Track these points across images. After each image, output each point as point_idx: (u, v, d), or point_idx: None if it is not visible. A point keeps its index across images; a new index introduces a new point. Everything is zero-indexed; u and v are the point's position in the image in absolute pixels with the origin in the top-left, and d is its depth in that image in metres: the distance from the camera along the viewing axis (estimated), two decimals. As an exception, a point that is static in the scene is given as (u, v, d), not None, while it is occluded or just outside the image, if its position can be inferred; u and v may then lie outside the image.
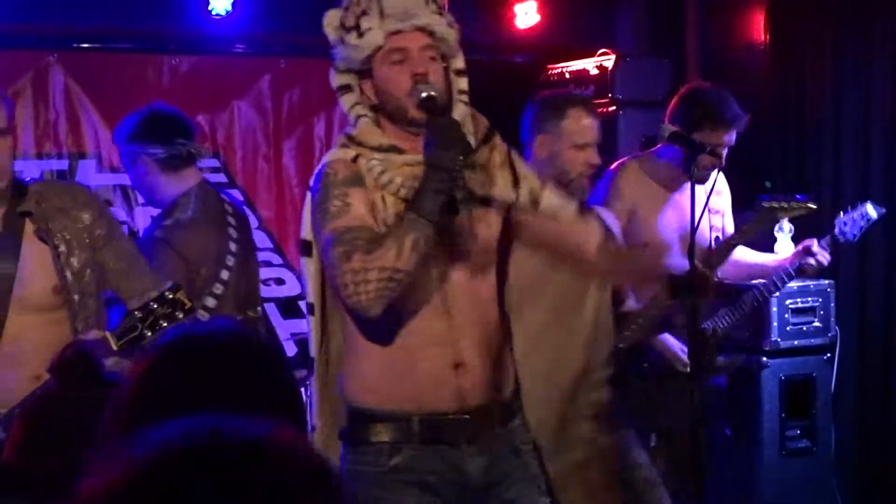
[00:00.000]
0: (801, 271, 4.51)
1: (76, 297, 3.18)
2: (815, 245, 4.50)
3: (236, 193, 5.81)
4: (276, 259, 6.05)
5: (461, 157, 2.74)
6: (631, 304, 4.12)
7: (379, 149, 2.93)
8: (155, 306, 2.86)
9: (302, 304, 5.86)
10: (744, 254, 4.60)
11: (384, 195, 2.89)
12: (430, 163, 2.76)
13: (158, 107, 4.26)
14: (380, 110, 2.97)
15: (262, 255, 5.36)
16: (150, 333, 2.83)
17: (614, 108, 5.98)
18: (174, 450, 0.93)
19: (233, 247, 4.16)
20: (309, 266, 3.01)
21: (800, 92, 5.90)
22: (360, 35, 2.89)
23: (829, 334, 5.37)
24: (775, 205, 4.15)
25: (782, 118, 5.91)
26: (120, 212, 5.79)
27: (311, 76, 6.03)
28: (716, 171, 4.12)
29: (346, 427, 3.02)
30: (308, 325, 3.05)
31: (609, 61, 6.01)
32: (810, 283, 5.28)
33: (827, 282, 5.37)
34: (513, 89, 4.94)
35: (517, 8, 6.27)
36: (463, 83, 3.01)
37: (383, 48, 2.91)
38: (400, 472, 2.92)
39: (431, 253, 2.86)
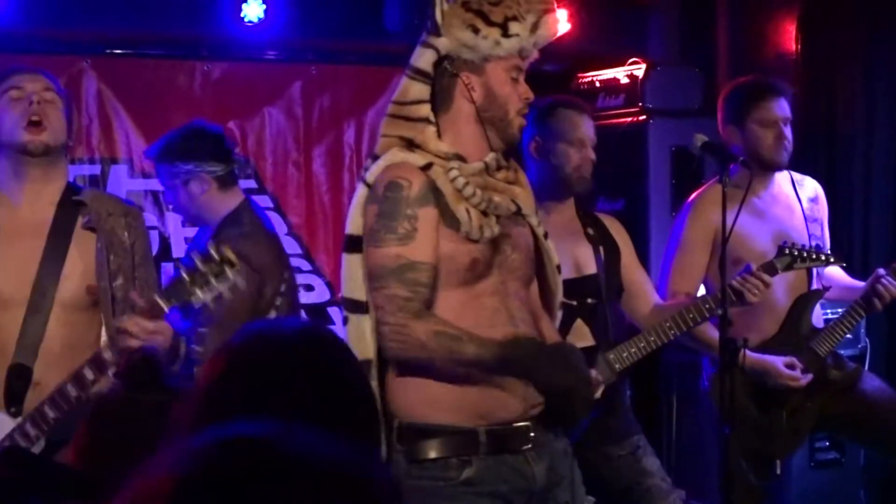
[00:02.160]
0: (870, 304, 4.41)
1: (109, 298, 3.16)
2: (882, 272, 4.41)
3: (266, 200, 5.83)
4: (306, 265, 6.03)
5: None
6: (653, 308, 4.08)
7: (447, 157, 2.92)
8: (202, 266, 2.76)
9: (331, 310, 5.92)
10: (838, 275, 4.62)
11: (468, 207, 2.90)
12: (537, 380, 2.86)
13: (203, 124, 4.26)
14: (476, 111, 2.97)
15: (291, 262, 5.33)
16: (199, 292, 2.76)
17: (644, 117, 5.97)
18: (216, 465, 0.91)
19: (286, 259, 4.21)
20: (354, 262, 2.94)
21: (831, 101, 5.86)
22: (506, 35, 2.91)
23: (859, 345, 5.33)
24: (795, 253, 4.12)
25: (813, 128, 5.85)
26: (151, 217, 5.80)
27: (341, 83, 6.06)
28: (812, 181, 4.28)
29: (403, 442, 2.94)
30: (344, 327, 2.98)
31: (640, 70, 6.00)
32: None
33: (857, 293, 5.34)
34: (543, 98, 4.92)
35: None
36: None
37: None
38: (472, 485, 2.89)
39: (491, 260, 2.92)
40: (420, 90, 2.94)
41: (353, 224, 2.95)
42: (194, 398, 1.43)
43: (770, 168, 4.29)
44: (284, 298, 4.08)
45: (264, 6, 5.61)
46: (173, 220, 5.79)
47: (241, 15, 5.60)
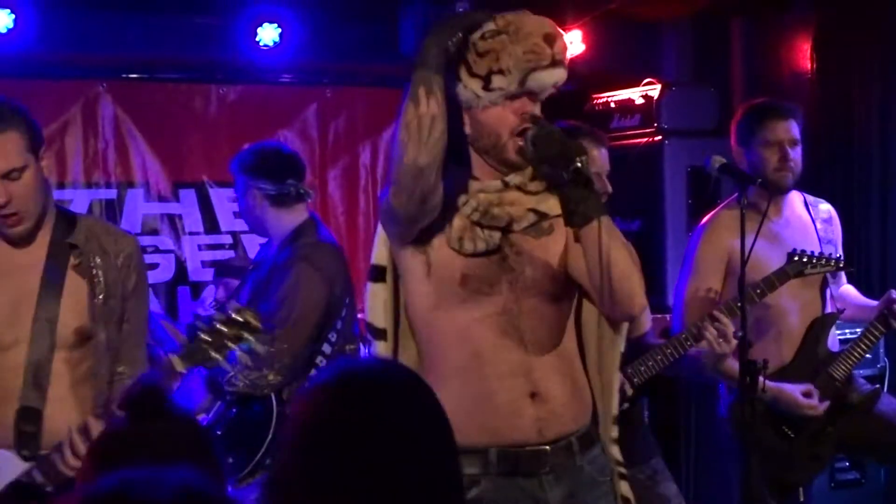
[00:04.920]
0: (887, 324, 4.38)
1: (103, 343, 3.13)
2: (894, 294, 4.39)
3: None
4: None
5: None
6: (650, 338, 4.08)
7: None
8: (222, 328, 2.76)
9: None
10: (852, 295, 4.62)
11: (458, 216, 2.87)
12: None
13: (279, 145, 4.63)
14: (470, 143, 2.91)
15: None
16: (217, 355, 2.76)
17: (660, 137, 5.94)
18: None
19: (349, 271, 4.35)
20: (379, 293, 2.97)
21: (846, 121, 5.83)
22: (488, 89, 2.81)
23: (879, 365, 5.28)
24: (805, 259, 4.15)
25: (829, 147, 5.82)
26: (167, 240, 5.83)
27: (356, 105, 6.08)
28: (826, 203, 4.26)
29: None
30: (372, 350, 3.01)
31: (654, 90, 5.99)
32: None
33: (876, 312, 5.32)
34: (558, 119, 4.90)
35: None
36: (536, 109, 2.93)
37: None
38: None
39: (495, 278, 2.86)
40: None
41: (378, 254, 2.98)
42: (290, 431, 1.49)
43: (774, 190, 4.22)
44: (350, 310, 4.23)
45: (279, 30, 5.65)
46: (189, 244, 5.82)
47: (257, 39, 5.65)
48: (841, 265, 4.30)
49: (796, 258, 4.12)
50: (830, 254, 4.27)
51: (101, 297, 3.12)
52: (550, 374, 2.91)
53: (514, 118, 2.82)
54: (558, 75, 2.83)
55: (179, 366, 2.79)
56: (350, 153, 6.13)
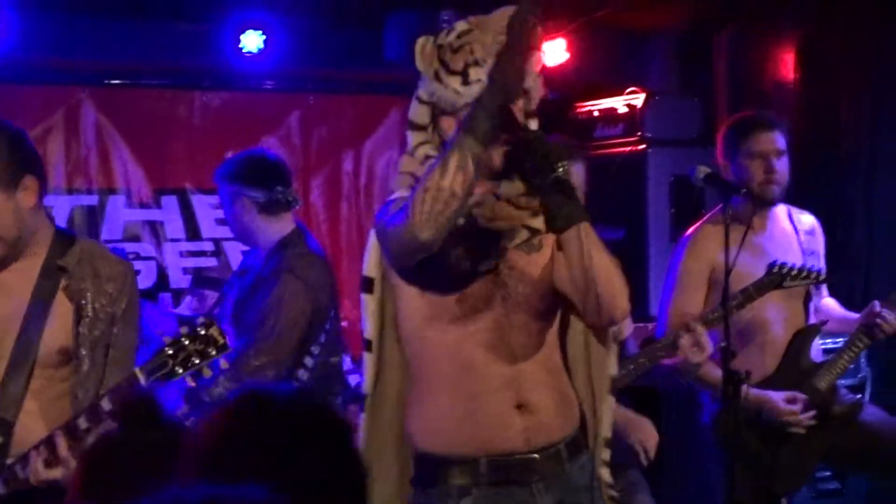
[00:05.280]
0: (871, 336, 4.39)
1: (86, 366, 3.12)
2: (877, 307, 4.37)
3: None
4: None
5: (522, 78, 2.64)
6: (629, 345, 4.12)
7: None
8: (187, 342, 2.78)
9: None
10: (833, 308, 4.61)
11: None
12: (491, 76, 2.64)
13: (264, 152, 4.55)
14: None
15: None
16: (181, 370, 2.77)
17: (644, 146, 5.94)
18: None
19: (335, 283, 4.33)
20: (369, 303, 2.97)
21: (832, 129, 5.82)
22: (466, 83, 2.79)
23: (860, 375, 5.24)
24: (784, 271, 4.13)
25: (815, 156, 5.79)
26: (148, 247, 5.80)
27: (340, 112, 6.06)
28: (810, 215, 4.26)
29: (415, 471, 2.99)
30: (364, 363, 3.02)
31: (638, 100, 5.99)
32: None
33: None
34: (541, 127, 4.88)
35: (546, 46, 6.23)
36: (533, 125, 2.90)
37: None
38: None
39: (490, 295, 2.85)
40: (418, 136, 2.94)
41: (368, 265, 2.97)
42: (191, 452, 1.47)
43: (760, 203, 4.22)
44: (334, 322, 4.23)
45: (263, 37, 5.65)
46: (171, 250, 5.80)
47: (240, 46, 5.64)
48: (821, 278, 4.28)
49: (776, 270, 4.12)
50: (812, 266, 4.25)
51: (87, 319, 3.11)
52: (538, 386, 2.92)
53: None
54: (532, 57, 2.78)
55: (143, 379, 2.79)
56: (333, 160, 6.12)
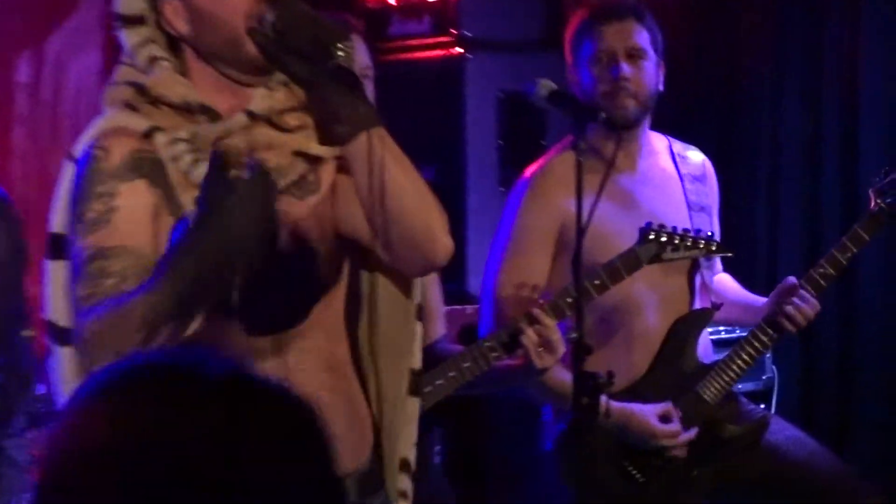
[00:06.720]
0: (778, 329, 4.01)
1: None
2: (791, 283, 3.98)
3: None
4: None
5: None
6: (444, 345, 3.79)
7: (185, 109, 2.60)
8: None
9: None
10: (730, 286, 4.24)
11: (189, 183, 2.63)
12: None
13: None
14: (191, 46, 2.64)
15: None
16: None
17: (460, 50, 5.31)
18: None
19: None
20: (57, 272, 2.66)
21: (731, 35, 5.51)
22: None
23: (764, 377, 4.94)
24: (663, 238, 3.73)
25: (706, 80, 5.53)
26: None
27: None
28: (699, 153, 4.06)
29: None
30: (55, 362, 2.66)
31: (453, -16, 5.40)
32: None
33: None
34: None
35: None
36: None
37: None
38: None
39: None
40: (137, 32, 2.62)
41: (59, 218, 2.65)
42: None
43: (619, 127, 3.86)
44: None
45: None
46: None
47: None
48: (714, 248, 3.86)
49: (651, 236, 3.71)
50: (700, 230, 3.85)
51: None
52: (319, 391, 2.71)
53: (243, 2, 2.51)
54: None
55: None
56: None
